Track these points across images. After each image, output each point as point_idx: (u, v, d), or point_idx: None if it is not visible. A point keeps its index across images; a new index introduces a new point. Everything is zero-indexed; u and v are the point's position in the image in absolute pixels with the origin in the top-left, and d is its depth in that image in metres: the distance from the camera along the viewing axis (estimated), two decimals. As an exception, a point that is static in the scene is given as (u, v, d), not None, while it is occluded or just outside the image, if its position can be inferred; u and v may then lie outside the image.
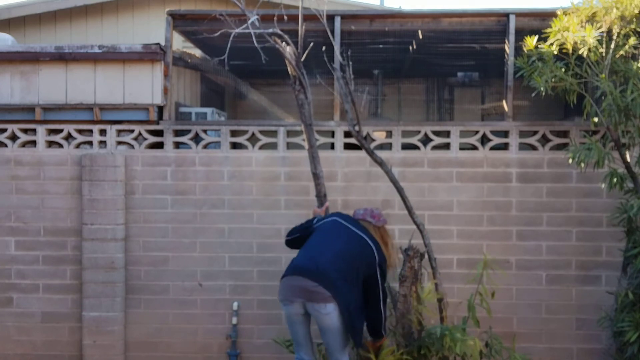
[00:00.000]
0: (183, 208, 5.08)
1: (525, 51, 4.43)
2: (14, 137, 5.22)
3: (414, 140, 5.08)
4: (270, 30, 3.95)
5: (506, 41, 5.06)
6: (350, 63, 4.17)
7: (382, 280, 3.82)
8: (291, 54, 4.00)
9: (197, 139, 5.16)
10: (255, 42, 3.94)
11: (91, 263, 5.02)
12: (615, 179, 4.30)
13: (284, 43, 3.99)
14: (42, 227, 5.14)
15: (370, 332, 3.96)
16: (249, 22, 3.92)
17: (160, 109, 5.17)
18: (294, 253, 4.93)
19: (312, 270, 3.67)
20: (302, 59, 4.06)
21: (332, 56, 4.72)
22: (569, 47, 4.26)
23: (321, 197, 4.29)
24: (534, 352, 4.92)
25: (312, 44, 4.43)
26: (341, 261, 3.70)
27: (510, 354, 4.31)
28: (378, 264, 3.79)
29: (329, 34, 4.48)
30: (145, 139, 5.16)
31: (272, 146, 5.13)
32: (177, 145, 5.19)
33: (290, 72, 4.05)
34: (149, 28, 7.99)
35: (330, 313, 3.64)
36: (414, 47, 5.99)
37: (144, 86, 5.12)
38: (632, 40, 4.27)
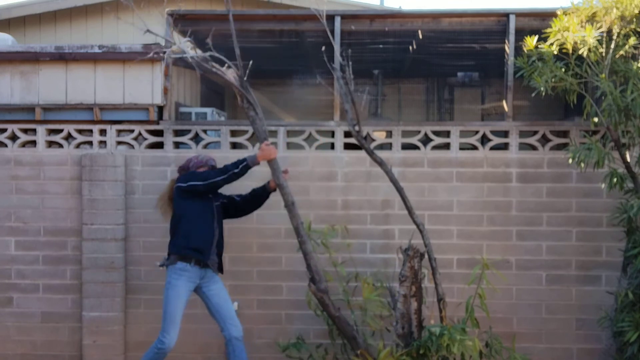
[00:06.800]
0: (183, 208, 5.06)
1: (525, 51, 4.43)
2: (14, 137, 5.22)
3: (414, 140, 5.08)
4: (207, 54, 4.03)
5: (506, 41, 5.06)
6: (350, 63, 4.17)
7: (192, 179, 4.32)
8: (235, 76, 4.06)
9: (197, 139, 5.16)
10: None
11: (91, 263, 5.02)
12: (615, 179, 4.30)
13: (225, 66, 4.03)
14: (42, 227, 5.13)
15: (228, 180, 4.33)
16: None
17: (160, 109, 5.17)
18: (294, 253, 4.97)
19: None
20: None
21: (332, 56, 4.72)
22: (569, 47, 4.26)
23: (289, 207, 4.25)
24: (534, 352, 4.92)
25: (310, 42, 4.43)
26: None
27: (510, 354, 4.32)
28: (178, 184, 4.39)
29: (329, 34, 4.48)
30: (145, 139, 5.16)
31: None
32: (177, 145, 5.19)
33: (236, 93, 4.11)
34: (149, 28, 7.97)
35: None
36: (414, 47, 5.98)
37: (144, 86, 5.12)
38: (632, 40, 4.27)
